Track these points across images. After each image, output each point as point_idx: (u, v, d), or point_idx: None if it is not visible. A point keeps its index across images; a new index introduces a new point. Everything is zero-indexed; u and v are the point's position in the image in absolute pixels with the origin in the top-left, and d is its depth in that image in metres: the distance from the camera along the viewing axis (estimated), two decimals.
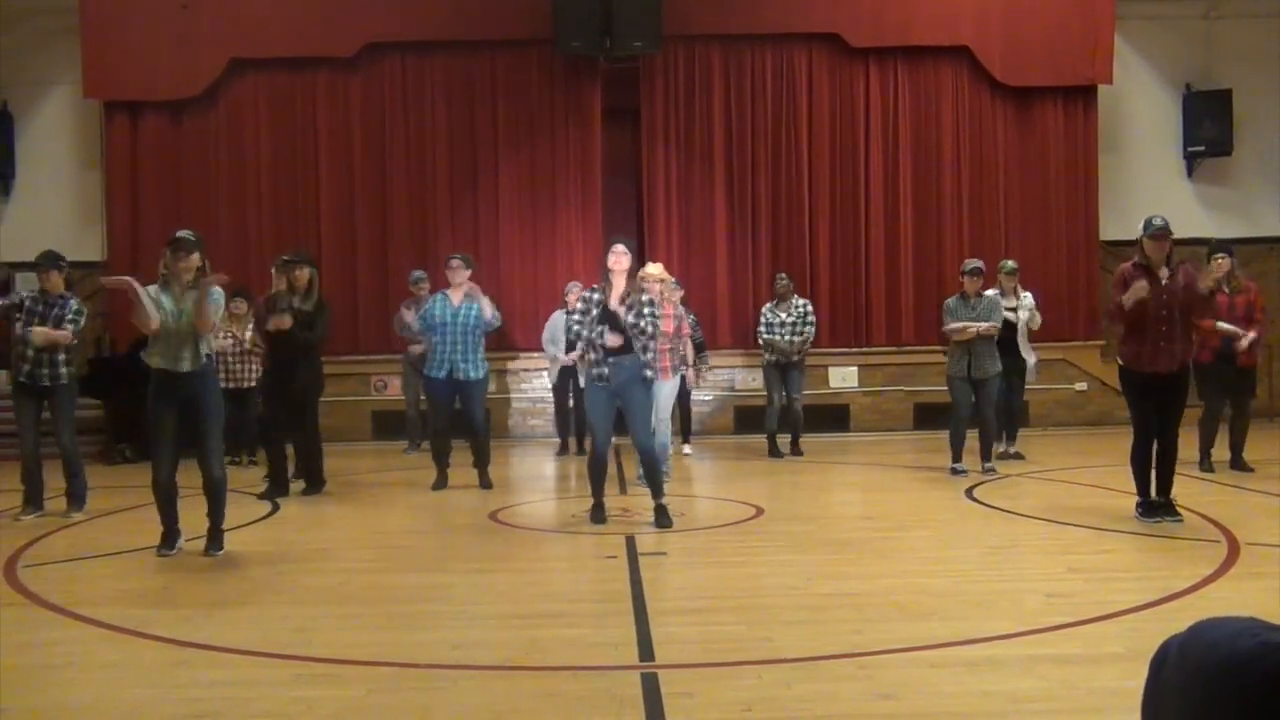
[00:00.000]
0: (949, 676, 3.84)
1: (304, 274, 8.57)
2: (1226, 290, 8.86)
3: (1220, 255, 8.88)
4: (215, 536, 6.29)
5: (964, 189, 13.49)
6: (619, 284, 6.94)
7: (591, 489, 7.19)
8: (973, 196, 13.50)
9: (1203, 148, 13.82)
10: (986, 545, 6.30)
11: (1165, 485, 6.78)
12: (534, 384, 12.95)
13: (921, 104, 13.46)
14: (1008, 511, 7.38)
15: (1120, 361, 6.81)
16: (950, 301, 9.20)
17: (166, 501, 6.20)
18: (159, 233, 13.10)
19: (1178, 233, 14.48)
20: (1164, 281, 6.55)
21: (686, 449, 11.14)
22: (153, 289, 6.11)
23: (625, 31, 12.27)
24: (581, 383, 8.66)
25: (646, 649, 4.22)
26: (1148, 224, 6.70)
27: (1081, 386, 13.28)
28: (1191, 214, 14.14)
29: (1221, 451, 9.11)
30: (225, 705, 3.67)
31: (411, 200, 13.19)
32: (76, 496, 7.78)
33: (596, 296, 6.98)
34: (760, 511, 7.49)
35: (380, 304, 13.06)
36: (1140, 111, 14.06)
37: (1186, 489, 8.10)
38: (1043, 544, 6.30)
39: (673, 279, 10.34)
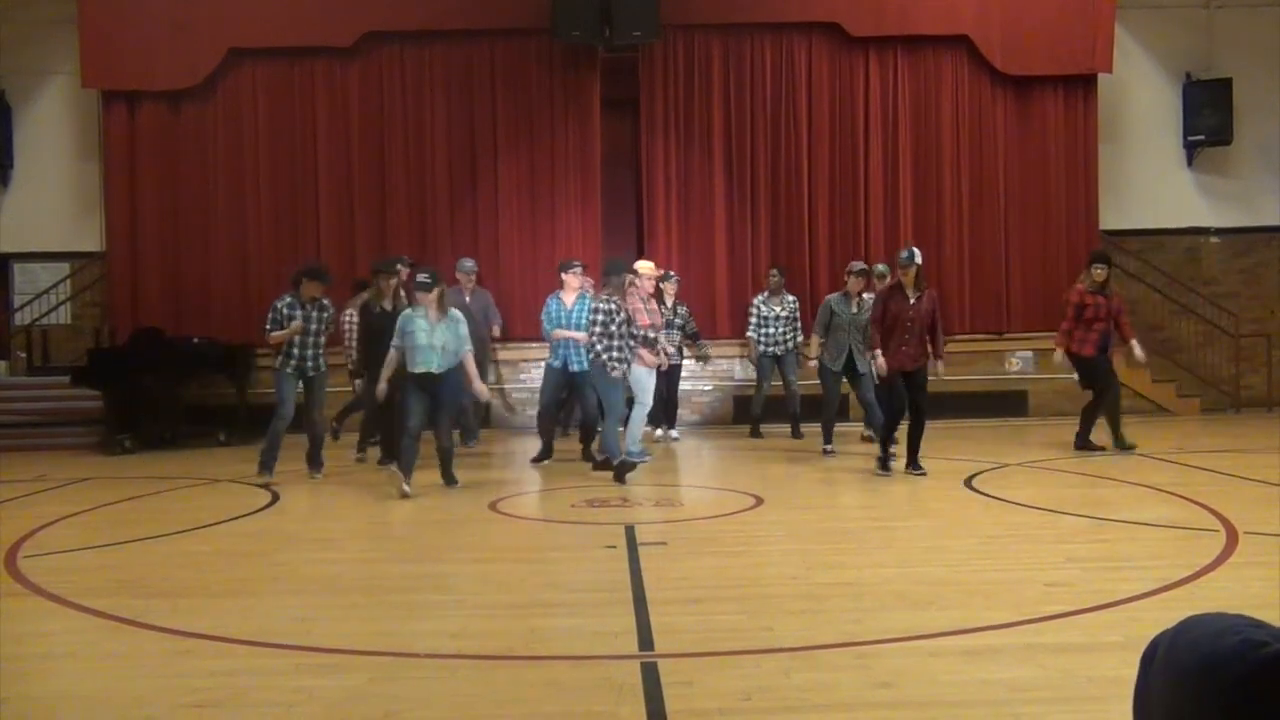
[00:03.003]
0: (947, 665, 3.85)
1: (390, 282, 9.41)
2: (1104, 295, 9.61)
3: (1099, 266, 9.72)
4: (448, 474, 8.35)
5: (964, 178, 13.47)
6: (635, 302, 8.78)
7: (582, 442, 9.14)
8: (972, 186, 13.49)
9: (1203, 137, 13.81)
10: (985, 535, 6.31)
11: (916, 447, 8.53)
12: (533, 374, 12.93)
13: (921, 93, 13.43)
14: (1006, 501, 7.39)
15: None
16: (834, 298, 9.82)
17: (413, 454, 8.12)
18: (157, 223, 13.13)
19: (1178, 222, 14.69)
20: (911, 301, 8.35)
21: (674, 434, 11.44)
22: (409, 311, 8.20)
23: (624, 20, 12.23)
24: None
25: (646, 638, 4.23)
26: (899, 256, 8.44)
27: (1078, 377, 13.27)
28: (1191, 203, 14.16)
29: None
30: (226, 695, 3.68)
31: (410, 190, 13.17)
32: (317, 462, 9.06)
33: (614, 309, 8.63)
34: (759, 501, 7.51)
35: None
36: (1140, 101, 14.04)
37: (1186, 478, 8.12)
38: (1041, 533, 6.31)
39: (673, 272, 11.30)
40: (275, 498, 8.08)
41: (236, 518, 7.24)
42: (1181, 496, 7.25)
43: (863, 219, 13.36)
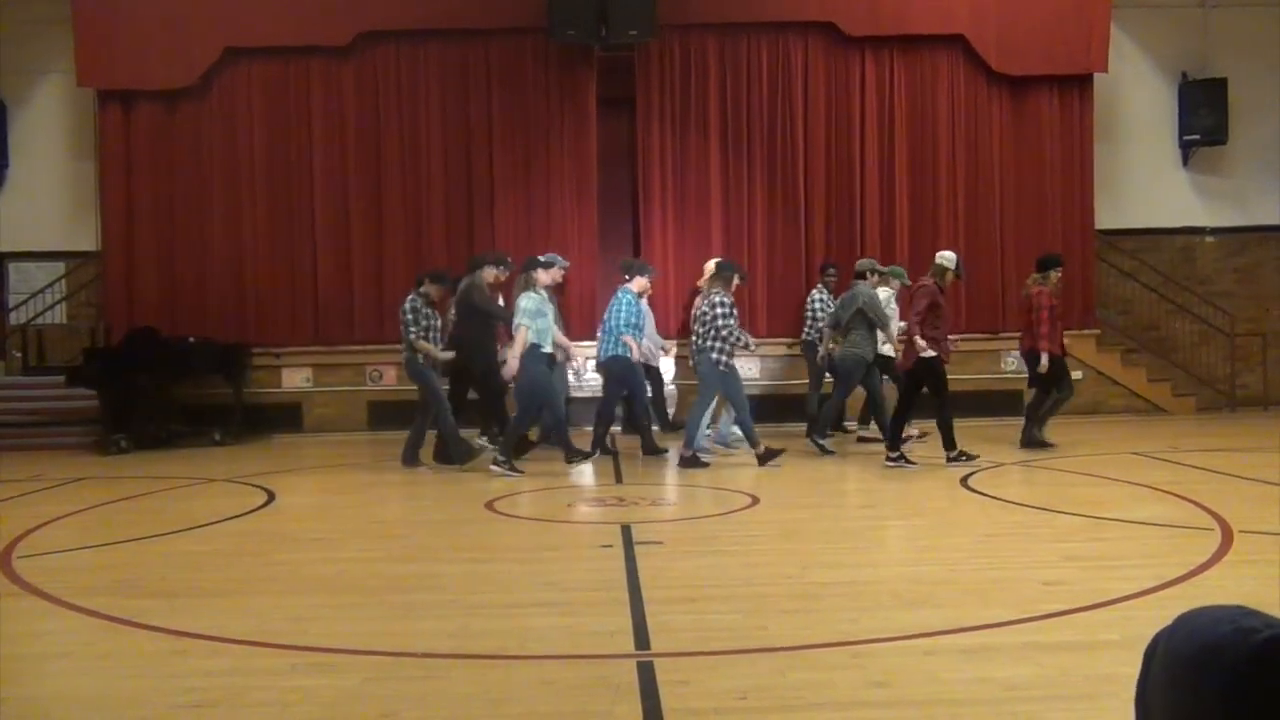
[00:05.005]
0: (944, 664, 3.86)
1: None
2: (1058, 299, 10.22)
3: (1059, 269, 10.32)
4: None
5: (959, 178, 13.48)
6: None
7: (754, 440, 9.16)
8: (968, 186, 13.49)
9: (1198, 136, 13.82)
10: (981, 534, 6.31)
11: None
12: None
13: (917, 93, 13.43)
14: (1002, 500, 7.40)
15: (938, 354, 8.90)
16: (883, 294, 10.28)
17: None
18: (153, 222, 13.10)
19: (1173, 221, 14.72)
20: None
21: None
22: (539, 295, 8.88)
23: (620, 20, 12.22)
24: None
25: (642, 637, 4.24)
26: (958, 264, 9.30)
27: (1077, 375, 13.28)
28: (1187, 203, 14.18)
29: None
30: (223, 694, 3.67)
31: (406, 189, 13.15)
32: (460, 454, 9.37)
33: (730, 303, 9.17)
34: (755, 500, 7.51)
35: (374, 292, 13.04)
36: (1136, 100, 14.05)
37: (1182, 477, 8.13)
38: (1038, 532, 6.31)
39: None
40: (271, 497, 8.07)
41: (232, 517, 7.23)
42: (1177, 495, 7.26)
43: (859, 218, 13.36)
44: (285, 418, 12.76)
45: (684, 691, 3.59)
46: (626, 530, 6.43)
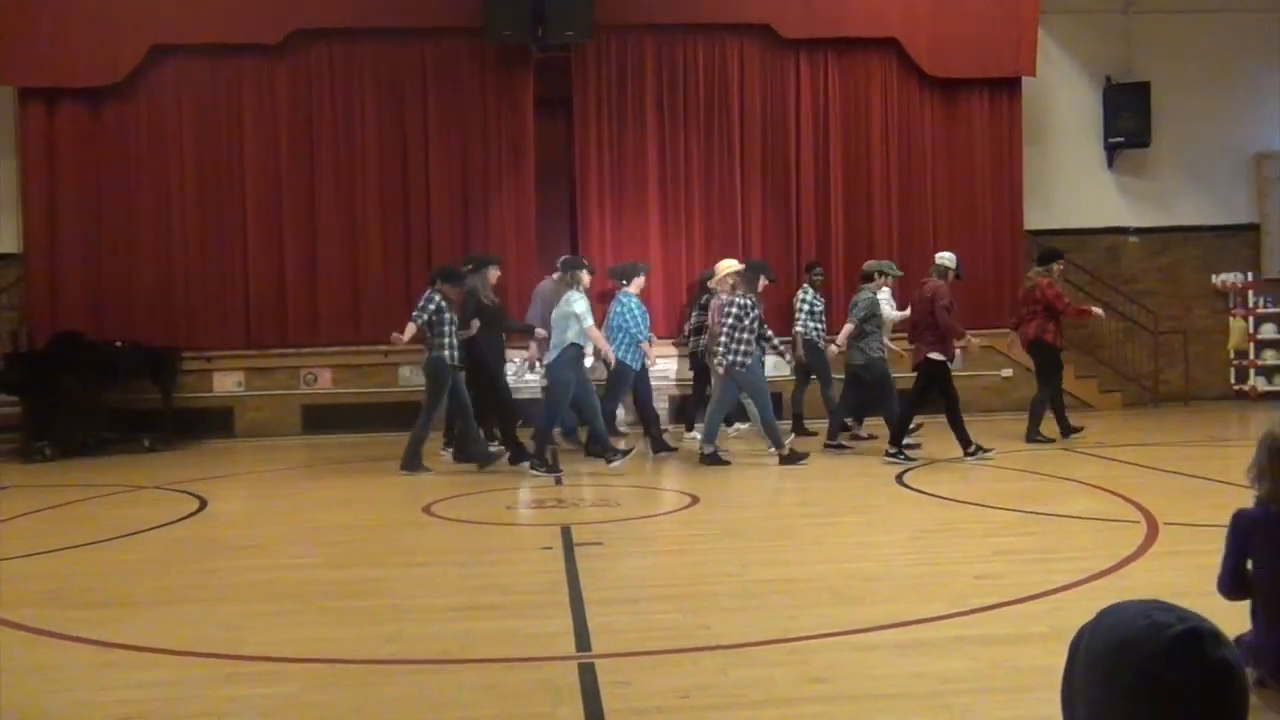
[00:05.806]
0: (880, 659, 3.92)
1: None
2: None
3: (1060, 261, 10.66)
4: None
5: (892, 179, 13.69)
6: None
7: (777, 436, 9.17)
8: (901, 187, 13.71)
9: (1122, 139, 14.20)
10: (916, 529, 6.42)
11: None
12: None
13: (851, 95, 13.61)
14: (937, 496, 7.52)
15: (943, 357, 9.16)
16: (883, 295, 10.32)
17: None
18: (77, 224, 12.78)
19: (1099, 222, 15.07)
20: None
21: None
22: (583, 295, 9.06)
23: (557, 20, 12.21)
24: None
25: (583, 639, 4.24)
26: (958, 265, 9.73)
27: (1007, 373, 13.56)
28: (1111, 203, 14.57)
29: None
30: (156, 706, 3.60)
31: (340, 189, 12.99)
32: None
33: (749, 304, 8.99)
34: (695, 500, 7.54)
35: (308, 295, 12.86)
36: (1063, 103, 14.39)
37: (1110, 472, 8.34)
38: (971, 527, 6.43)
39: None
40: (203, 504, 7.92)
41: (163, 525, 7.09)
42: (1105, 490, 7.44)
43: (794, 217, 13.50)
44: (217, 422, 12.53)
45: (626, 692, 3.60)
46: (566, 532, 6.43)
